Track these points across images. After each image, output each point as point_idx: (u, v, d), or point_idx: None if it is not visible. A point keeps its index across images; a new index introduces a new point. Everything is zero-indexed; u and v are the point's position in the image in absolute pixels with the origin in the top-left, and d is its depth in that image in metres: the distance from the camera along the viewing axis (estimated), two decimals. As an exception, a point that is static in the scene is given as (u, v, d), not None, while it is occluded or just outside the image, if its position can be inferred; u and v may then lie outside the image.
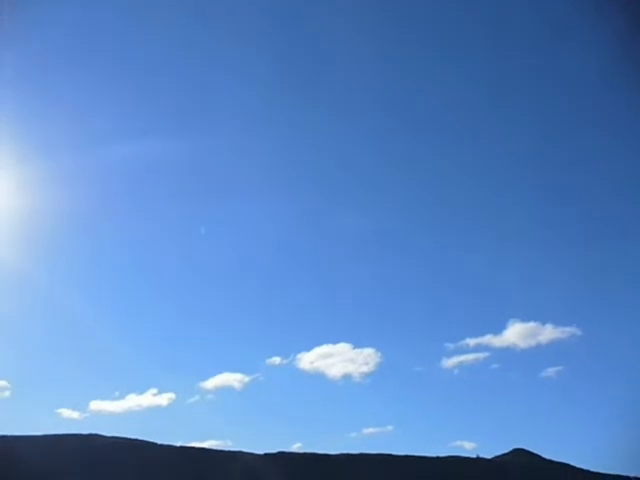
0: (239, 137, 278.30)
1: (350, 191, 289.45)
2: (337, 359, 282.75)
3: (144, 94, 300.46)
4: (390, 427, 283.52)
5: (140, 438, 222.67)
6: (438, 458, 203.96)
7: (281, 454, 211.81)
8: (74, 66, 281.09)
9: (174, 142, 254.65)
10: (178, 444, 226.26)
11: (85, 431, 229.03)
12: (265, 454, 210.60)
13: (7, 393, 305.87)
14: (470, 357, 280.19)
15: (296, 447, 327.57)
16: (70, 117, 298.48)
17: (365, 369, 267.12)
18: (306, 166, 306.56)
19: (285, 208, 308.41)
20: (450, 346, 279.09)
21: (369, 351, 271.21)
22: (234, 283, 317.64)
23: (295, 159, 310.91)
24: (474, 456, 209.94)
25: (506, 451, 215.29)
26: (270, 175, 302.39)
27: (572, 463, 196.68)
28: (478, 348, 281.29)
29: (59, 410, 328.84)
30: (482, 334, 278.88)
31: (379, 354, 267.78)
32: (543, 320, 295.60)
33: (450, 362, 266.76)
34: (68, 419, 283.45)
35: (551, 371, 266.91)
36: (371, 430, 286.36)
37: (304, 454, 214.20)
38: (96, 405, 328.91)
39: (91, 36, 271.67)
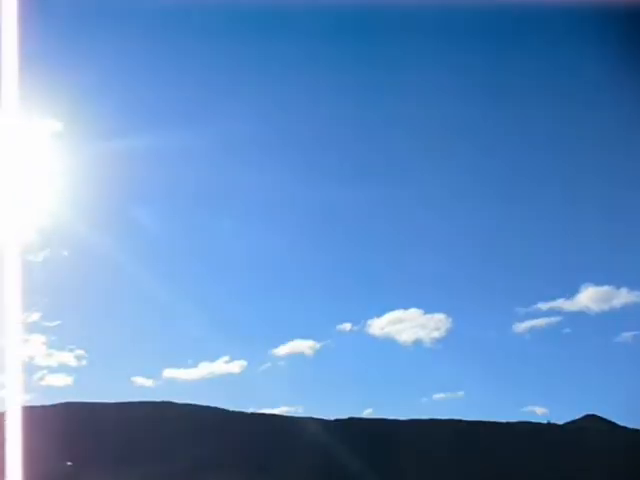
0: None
1: (423, 153, 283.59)
2: (408, 325, 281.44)
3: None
4: (461, 393, 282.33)
5: (212, 405, 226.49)
6: (509, 424, 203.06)
7: (351, 420, 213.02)
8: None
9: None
10: (249, 411, 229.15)
11: (158, 399, 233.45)
12: (336, 420, 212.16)
13: (84, 362, 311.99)
14: (542, 321, 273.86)
15: (367, 413, 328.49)
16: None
17: (436, 334, 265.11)
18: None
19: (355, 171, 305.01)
20: (521, 310, 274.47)
21: (440, 316, 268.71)
22: (304, 249, 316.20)
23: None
24: (545, 422, 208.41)
25: (578, 417, 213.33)
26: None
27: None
28: (550, 312, 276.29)
29: (133, 378, 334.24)
30: (554, 298, 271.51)
31: (450, 319, 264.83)
32: (617, 284, 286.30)
33: (521, 327, 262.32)
34: (142, 387, 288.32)
35: (626, 336, 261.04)
36: (441, 396, 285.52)
37: (374, 420, 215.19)
38: (169, 373, 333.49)
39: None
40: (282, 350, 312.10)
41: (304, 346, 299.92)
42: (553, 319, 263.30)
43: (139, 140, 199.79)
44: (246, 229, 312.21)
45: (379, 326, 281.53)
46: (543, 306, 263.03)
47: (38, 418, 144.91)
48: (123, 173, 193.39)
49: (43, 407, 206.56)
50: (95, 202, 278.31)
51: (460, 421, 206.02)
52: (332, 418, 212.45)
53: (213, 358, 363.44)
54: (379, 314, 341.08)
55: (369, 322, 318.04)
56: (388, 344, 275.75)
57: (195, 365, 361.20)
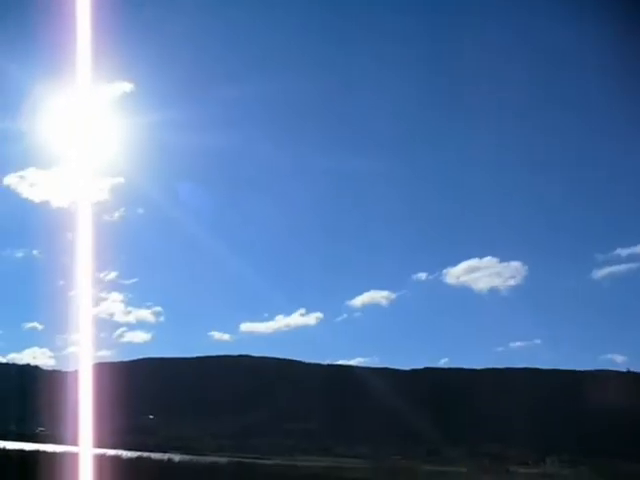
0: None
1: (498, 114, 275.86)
2: (484, 273, 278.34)
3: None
4: (538, 341, 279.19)
5: (288, 358, 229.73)
6: (588, 372, 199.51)
7: (427, 370, 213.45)
8: None
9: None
10: (326, 362, 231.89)
11: (235, 352, 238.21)
12: (412, 370, 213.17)
13: (162, 318, 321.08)
14: (621, 268, 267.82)
15: (443, 362, 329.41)
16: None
17: (512, 282, 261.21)
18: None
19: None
20: (600, 257, 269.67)
21: (516, 264, 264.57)
22: (379, 199, 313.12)
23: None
24: (625, 370, 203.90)
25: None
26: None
27: None
28: (630, 258, 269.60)
29: (211, 333, 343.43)
30: (634, 244, 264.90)
31: (526, 267, 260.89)
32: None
33: (600, 273, 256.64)
34: (219, 341, 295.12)
35: None
36: (518, 344, 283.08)
37: (450, 369, 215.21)
38: (246, 327, 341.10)
39: None
40: (358, 301, 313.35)
41: (380, 297, 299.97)
42: (633, 265, 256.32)
43: (199, 104, 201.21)
44: (318, 188, 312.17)
45: (455, 275, 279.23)
46: (623, 252, 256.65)
47: (119, 374, 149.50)
48: (193, 134, 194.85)
49: (123, 363, 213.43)
50: (166, 161, 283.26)
51: (537, 370, 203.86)
52: (407, 368, 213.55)
53: (289, 311, 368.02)
54: (454, 263, 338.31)
55: (444, 271, 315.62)
56: (464, 293, 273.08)
57: (271, 318, 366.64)
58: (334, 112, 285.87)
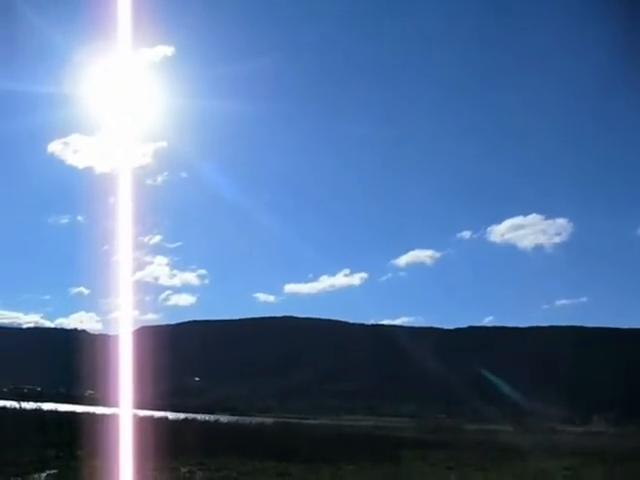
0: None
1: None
2: (528, 230, 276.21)
3: None
4: (584, 299, 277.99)
5: (333, 318, 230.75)
6: (634, 330, 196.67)
7: (471, 328, 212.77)
8: None
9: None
10: (370, 322, 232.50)
11: (280, 314, 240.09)
12: (456, 329, 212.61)
13: (206, 281, 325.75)
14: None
15: (487, 321, 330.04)
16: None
17: (557, 240, 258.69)
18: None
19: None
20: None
21: (561, 221, 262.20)
22: (421, 158, 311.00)
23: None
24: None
25: None
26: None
27: None
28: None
29: (256, 294, 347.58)
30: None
31: (571, 224, 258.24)
32: None
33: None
34: (264, 302, 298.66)
35: None
36: (563, 302, 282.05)
37: (494, 327, 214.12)
38: (290, 288, 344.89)
39: None
40: (402, 260, 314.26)
41: (424, 256, 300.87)
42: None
43: (239, 70, 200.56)
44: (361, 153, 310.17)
45: (499, 233, 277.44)
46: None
47: (166, 337, 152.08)
48: (232, 99, 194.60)
49: (169, 326, 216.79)
50: (208, 126, 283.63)
51: (583, 328, 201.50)
52: (452, 327, 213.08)
53: (333, 271, 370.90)
54: (499, 221, 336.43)
55: (489, 229, 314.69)
56: (508, 251, 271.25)
57: (316, 279, 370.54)
58: (374, 80, 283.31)
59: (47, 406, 39.13)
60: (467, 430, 68.47)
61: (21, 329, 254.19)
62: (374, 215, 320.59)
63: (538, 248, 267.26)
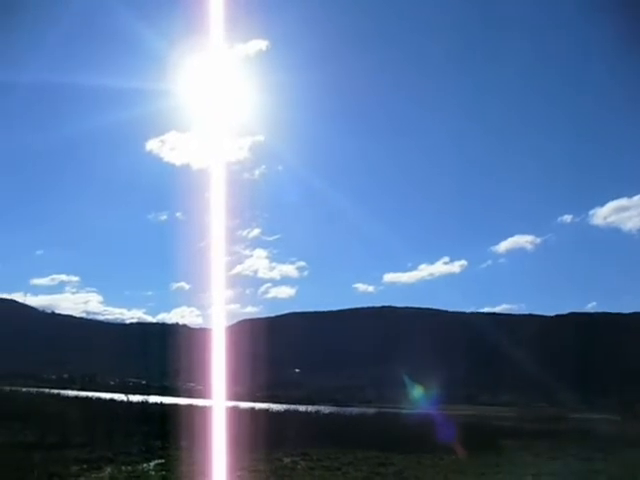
0: None
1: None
2: (634, 212, 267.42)
3: None
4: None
5: (432, 307, 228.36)
6: None
7: (572, 315, 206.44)
8: None
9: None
10: (469, 310, 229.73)
11: (379, 304, 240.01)
12: (556, 315, 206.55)
13: (305, 273, 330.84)
14: None
15: (590, 307, 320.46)
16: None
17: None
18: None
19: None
20: None
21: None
22: (519, 142, 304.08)
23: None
24: None
25: None
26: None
27: None
28: None
29: (355, 285, 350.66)
30: None
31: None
32: None
33: None
34: (364, 293, 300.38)
35: None
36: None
37: (596, 314, 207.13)
38: (389, 277, 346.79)
39: None
40: (502, 247, 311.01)
41: (524, 241, 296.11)
42: None
43: (333, 65, 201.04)
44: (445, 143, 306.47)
45: (602, 216, 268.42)
46: None
47: (266, 329, 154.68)
48: (325, 94, 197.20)
49: (269, 319, 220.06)
50: (303, 119, 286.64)
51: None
52: (552, 314, 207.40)
53: (433, 259, 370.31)
54: (601, 203, 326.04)
55: (591, 212, 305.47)
56: (612, 234, 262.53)
57: (415, 268, 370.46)
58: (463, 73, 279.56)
59: (152, 399, 40.45)
60: (571, 419, 66.75)
61: (125, 324, 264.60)
62: (473, 202, 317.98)
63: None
